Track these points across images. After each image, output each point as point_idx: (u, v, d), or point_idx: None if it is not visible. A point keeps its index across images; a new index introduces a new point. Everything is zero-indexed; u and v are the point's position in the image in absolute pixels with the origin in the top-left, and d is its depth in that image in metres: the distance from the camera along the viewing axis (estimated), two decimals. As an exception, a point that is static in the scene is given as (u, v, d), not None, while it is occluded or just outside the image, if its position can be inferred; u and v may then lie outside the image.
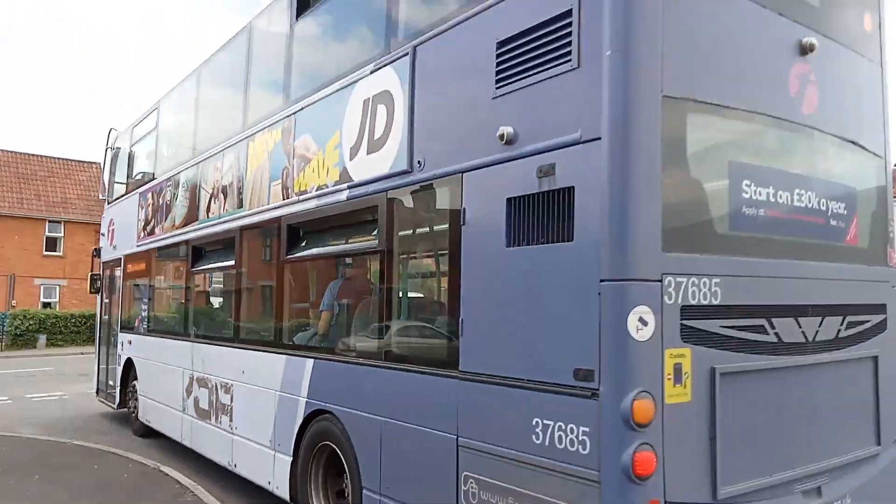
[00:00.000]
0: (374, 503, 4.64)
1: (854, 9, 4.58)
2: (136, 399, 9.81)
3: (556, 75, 3.50)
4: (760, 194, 3.67)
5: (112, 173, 11.99)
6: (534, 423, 3.47)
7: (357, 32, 5.48)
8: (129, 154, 11.08)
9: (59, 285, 32.44)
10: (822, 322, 3.95)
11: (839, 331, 4.08)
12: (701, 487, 3.29)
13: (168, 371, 8.54)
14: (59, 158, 35.91)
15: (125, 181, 11.25)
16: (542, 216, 3.53)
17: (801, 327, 3.82)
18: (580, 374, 3.25)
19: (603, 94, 3.24)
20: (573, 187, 3.36)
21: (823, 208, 4.07)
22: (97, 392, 11.82)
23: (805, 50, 3.91)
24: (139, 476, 7.43)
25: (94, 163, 34.47)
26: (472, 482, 3.85)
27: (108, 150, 12.04)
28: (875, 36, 4.69)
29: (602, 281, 3.17)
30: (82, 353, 23.66)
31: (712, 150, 3.66)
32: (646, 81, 3.22)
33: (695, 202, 3.50)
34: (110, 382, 11.07)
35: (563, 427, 3.33)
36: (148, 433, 9.50)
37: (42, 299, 32.05)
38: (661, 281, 3.19)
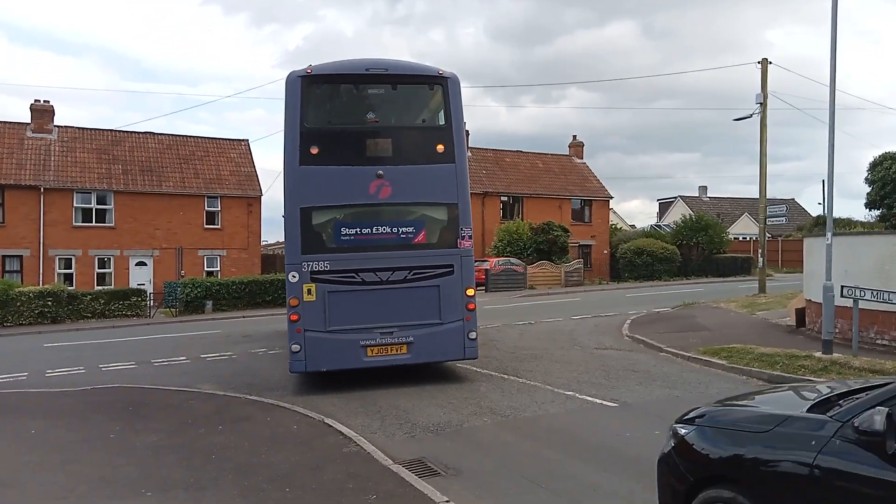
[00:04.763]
0: None
1: (427, 146, 11.01)
2: None
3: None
4: (351, 231, 10.59)
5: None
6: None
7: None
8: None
9: (220, 255, 34.78)
10: (392, 273, 10.74)
11: (406, 276, 10.82)
12: (321, 326, 10.41)
13: None
14: (212, 139, 37.69)
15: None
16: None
17: (377, 276, 10.68)
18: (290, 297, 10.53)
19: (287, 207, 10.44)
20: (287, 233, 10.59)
21: (395, 231, 10.79)
22: None
23: (378, 176, 10.62)
24: (307, 427, 8.09)
25: (243, 140, 38.33)
26: None
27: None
28: (449, 151, 11.09)
29: (286, 263, 10.42)
30: (244, 317, 25.33)
31: (327, 220, 10.64)
32: (291, 203, 10.47)
33: (316, 238, 10.52)
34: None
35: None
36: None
37: (205, 269, 34.47)
38: (300, 263, 10.33)
